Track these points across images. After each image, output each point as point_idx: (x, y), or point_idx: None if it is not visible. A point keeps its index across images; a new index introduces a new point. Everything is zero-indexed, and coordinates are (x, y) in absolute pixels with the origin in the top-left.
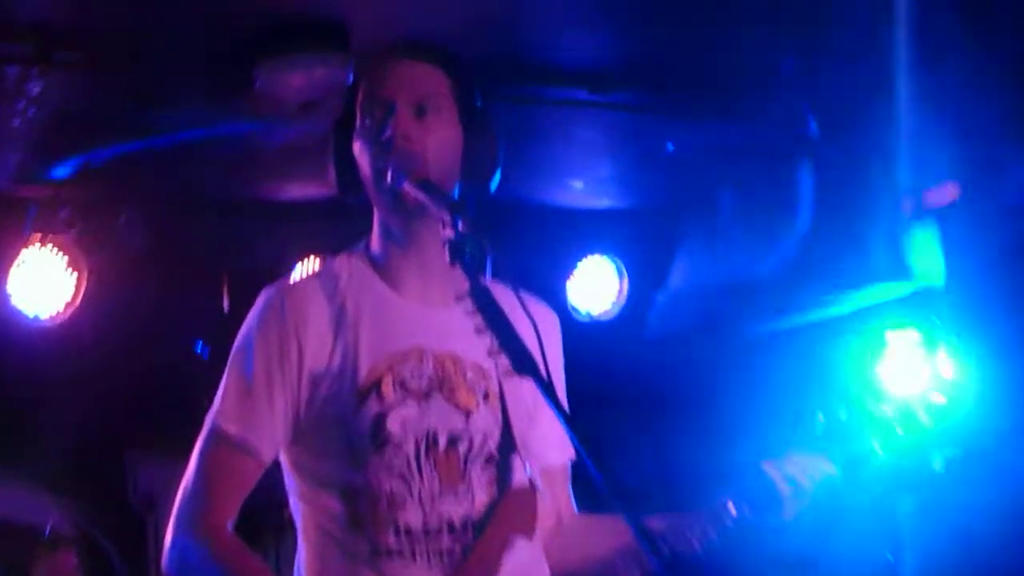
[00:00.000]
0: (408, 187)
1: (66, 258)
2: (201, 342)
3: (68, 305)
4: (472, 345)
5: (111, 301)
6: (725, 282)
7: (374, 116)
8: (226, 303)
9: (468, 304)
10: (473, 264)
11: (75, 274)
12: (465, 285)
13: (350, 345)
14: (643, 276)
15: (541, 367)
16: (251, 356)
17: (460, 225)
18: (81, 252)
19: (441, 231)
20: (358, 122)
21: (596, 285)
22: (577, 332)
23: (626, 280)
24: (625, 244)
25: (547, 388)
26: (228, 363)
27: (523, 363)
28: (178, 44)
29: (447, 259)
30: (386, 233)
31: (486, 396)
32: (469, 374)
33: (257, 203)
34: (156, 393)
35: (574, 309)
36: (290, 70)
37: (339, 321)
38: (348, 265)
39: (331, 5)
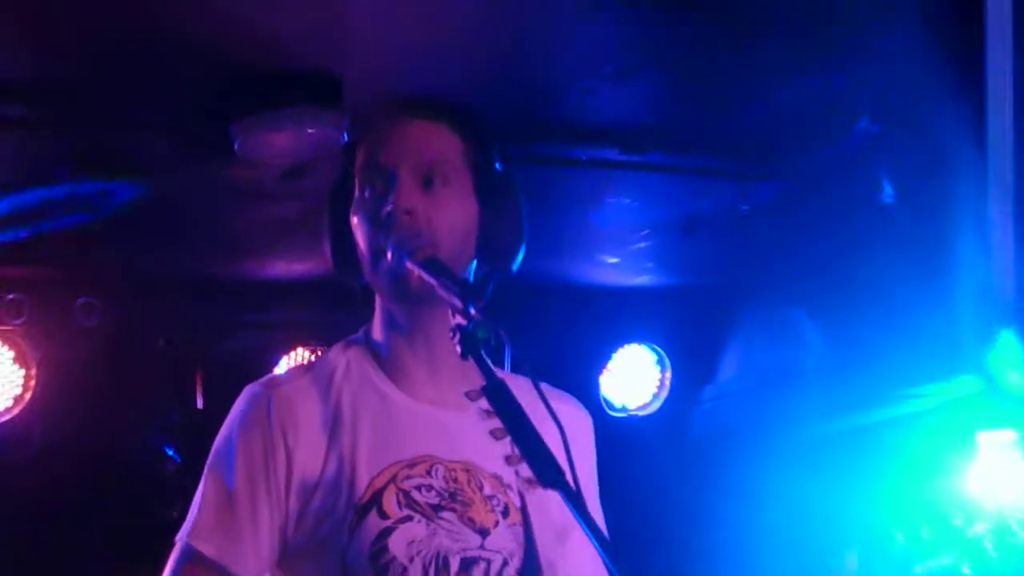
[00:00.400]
0: (411, 267)
1: (12, 352)
2: (171, 446)
3: (15, 404)
4: (489, 452)
5: (65, 399)
6: (784, 373)
7: (373, 186)
8: (200, 400)
9: (482, 404)
10: (487, 357)
11: (23, 369)
12: (479, 381)
13: (347, 453)
14: (688, 367)
15: (569, 477)
16: (232, 464)
17: (472, 311)
18: (30, 344)
19: (450, 318)
20: (356, 192)
21: (634, 378)
22: (612, 430)
23: (669, 372)
24: (667, 330)
25: (576, 503)
26: (204, 471)
27: (548, 473)
28: (141, 98)
29: (458, 352)
30: (389, 321)
31: (506, 512)
32: (486, 486)
33: (237, 284)
34: (118, 505)
35: (608, 403)
36: (274, 128)
37: (334, 424)
38: (345, 358)
39: (322, 55)
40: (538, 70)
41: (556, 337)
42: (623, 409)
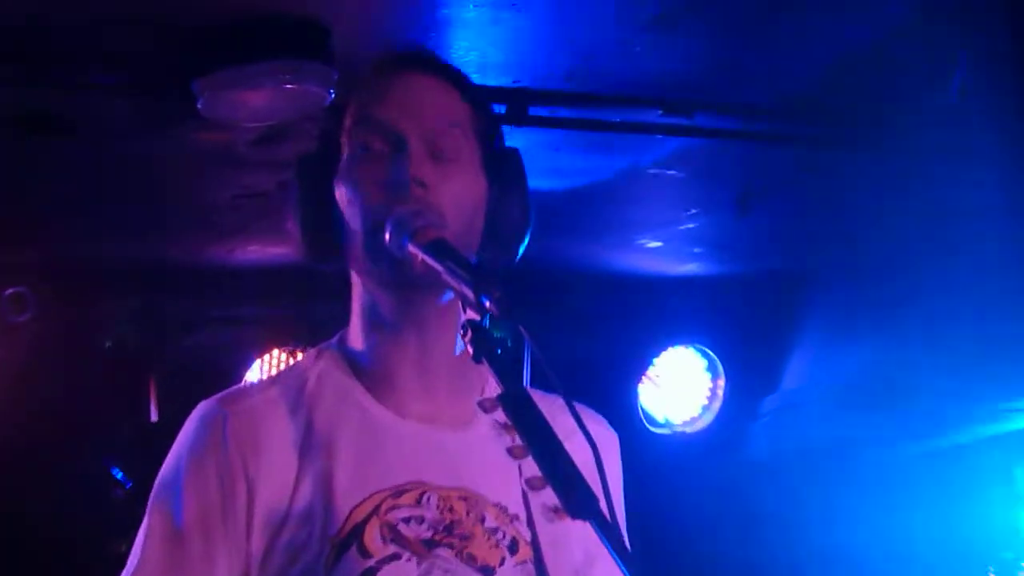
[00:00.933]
0: (414, 249)
1: None
2: (119, 467)
3: None
4: (494, 477)
5: None
6: (861, 384)
7: (370, 149)
8: (153, 412)
9: (498, 416)
10: (506, 360)
11: None
12: (489, 390)
13: (321, 480)
14: (745, 374)
15: (603, 505)
16: (181, 498)
17: (487, 303)
18: None
19: (460, 313)
20: (345, 157)
21: (680, 386)
22: (653, 450)
23: (722, 380)
24: (720, 329)
25: (612, 537)
26: (148, 506)
27: (579, 501)
28: (87, 47)
29: (459, 355)
30: (373, 319)
31: (514, 547)
32: (488, 518)
33: (200, 271)
34: (56, 537)
35: (648, 418)
36: (246, 85)
37: (305, 447)
38: (317, 368)
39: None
40: (563, 15)
41: (586, 337)
42: (666, 424)
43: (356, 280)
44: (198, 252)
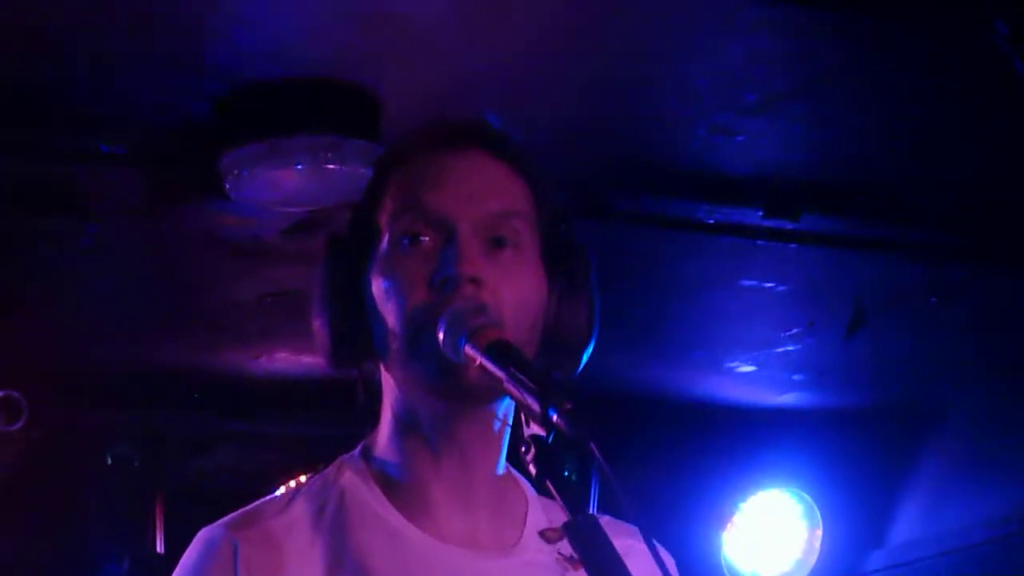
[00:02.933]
0: (472, 352)
1: None
2: None
3: None
4: None
5: None
6: (988, 541)
7: (417, 240)
8: (160, 542)
9: (562, 548)
10: (574, 484)
11: None
12: (532, 515)
13: None
14: (849, 523)
15: None
16: None
17: (556, 418)
18: None
19: (507, 428)
20: (385, 245)
21: (771, 536)
22: None
23: (820, 530)
24: (820, 471)
25: None
26: None
27: None
28: (100, 117)
29: (502, 475)
30: (409, 428)
31: None
32: None
33: (218, 381)
34: None
35: (732, 571)
36: (281, 162)
37: None
38: (339, 486)
39: (357, 67)
40: (649, 101)
41: (664, 474)
42: None
43: (390, 383)
44: (216, 358)
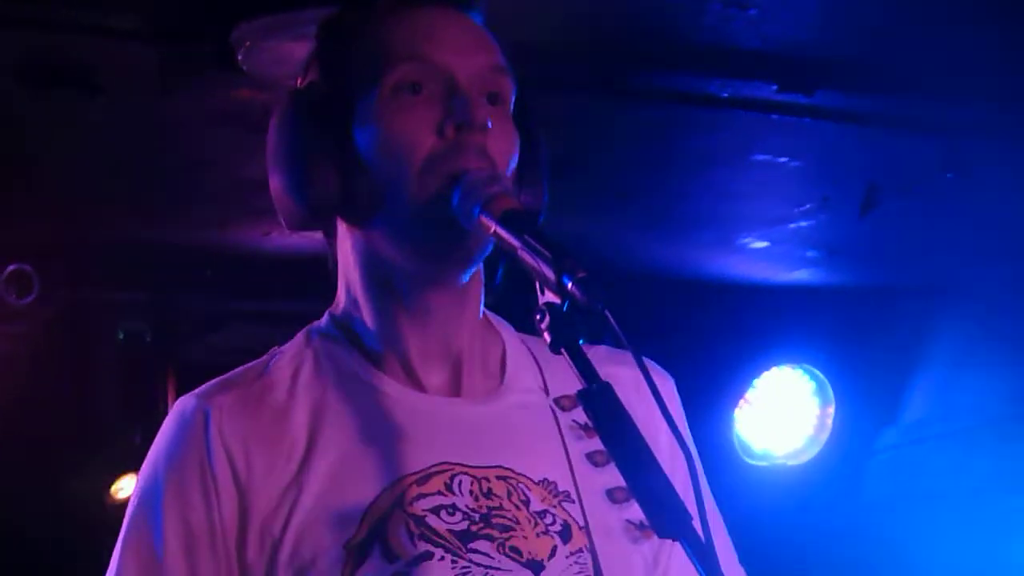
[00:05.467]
0: (487, 220)
1: None
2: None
3: None
4: (536, 450)
5: None
6: (997, 417)
7: (421, 91)
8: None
9: (576, 416)
10: (580, 349)
11: None
12: (512, 359)
13: (327, 473)
14: (860, 400)
15: (696, 524)
16: (160, 518)
17: (571, 286)
18: None
19: (538, 295)
20: (379, 95)
21: (783, 413)
22: (750, 484)
23: (832, 407)
24: (832, 347)
25: (706, 561)
26: (125, 522)
27: (670, 519)
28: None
29: (481, 319)
30: (383, 290)
31: (565, 534)
32: (533, 499)
33: (231, 257)
34: (58, 553)
35: (745, 447)
36: (294, 34)
37: (309, 438)
38: (311, 348)
39: None
40: None
41: (676, 352)
42: (765, 456)
43: (359, 243)
44: (228, 234)
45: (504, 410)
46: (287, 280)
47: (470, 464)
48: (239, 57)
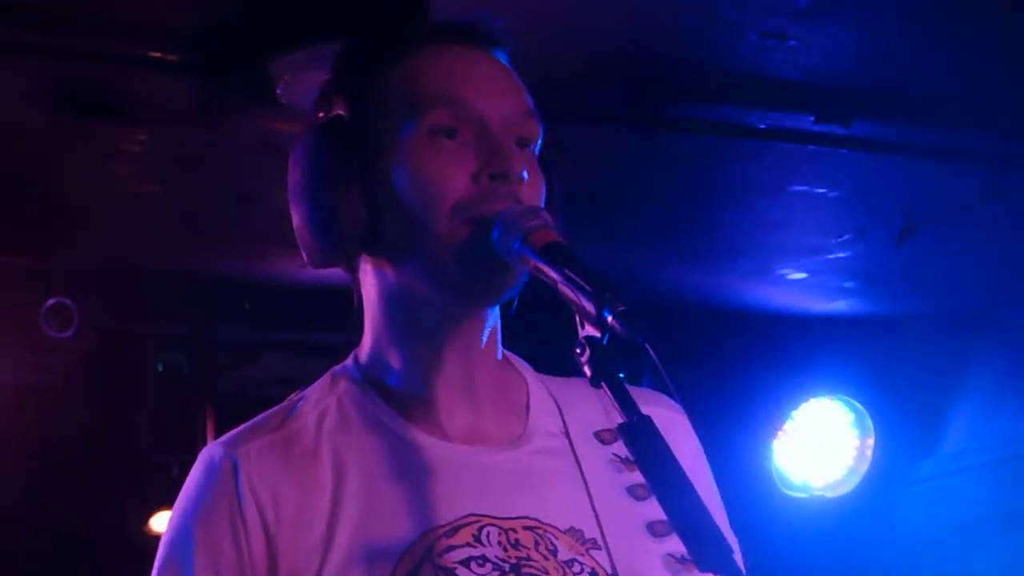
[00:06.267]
0: (527, 254)
1: None
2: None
3: None
4: (560, 498)
5: (22, 442)
6: None
7: (455, 135)
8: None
9: (617, 449)
10: (621, 383)
11: None
12: (535, 401)
13: (357, 524)
14: (900, 431)
15: (738, 557)
16: (190, 561)
17: (611, 319)
18: None
19: (578, 329)
20: (413, 135)
21: (822, 444)
22: (788, 516)
23: (872, 438)
24: (871, 378)
25: None
26: (155, 569)
27: (712, 553)
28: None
29: (501, 360)
30: (416, 331)
31: None
32: (561, 548)
33: (270, 288)
34: None
35: (783, 479)
36: (327, 68)
37: (333, 487)
38: (334, 395)
39: None
40: (700, 6)
41: (715, 383)
42: (804, 488)
43: (390, 282)
44: (264, 266)
45: (527, 457)
46: (324, 311)
47: (497, 516)
48: (278, 90)
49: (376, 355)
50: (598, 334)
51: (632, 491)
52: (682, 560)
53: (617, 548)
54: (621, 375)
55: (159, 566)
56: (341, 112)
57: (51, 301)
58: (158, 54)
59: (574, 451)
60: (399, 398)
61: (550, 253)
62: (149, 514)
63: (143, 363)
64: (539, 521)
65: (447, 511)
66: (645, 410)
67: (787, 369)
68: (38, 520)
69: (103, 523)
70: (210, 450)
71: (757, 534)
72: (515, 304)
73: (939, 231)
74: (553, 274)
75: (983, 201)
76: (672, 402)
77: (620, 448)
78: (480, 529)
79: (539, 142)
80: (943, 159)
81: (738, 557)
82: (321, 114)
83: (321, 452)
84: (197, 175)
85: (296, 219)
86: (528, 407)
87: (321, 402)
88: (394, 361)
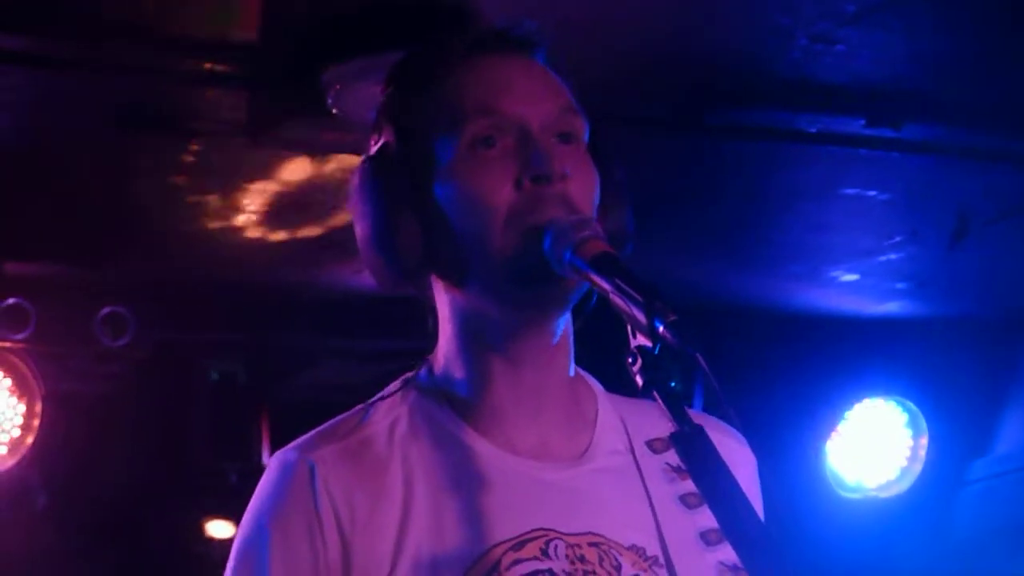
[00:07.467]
0: (579, 265)
1: (9, 380)
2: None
3: (10, 452)
4: (625, 515)
5: (79, 448)
6: None
7: (495, 145)
8: (265, 455)
9: (669, 458)
10: (679, 394)
11: (23, 404)
12: (604, 417)
13: (428, 534)
14: (954, 431)
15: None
16: (266, 561)
17: (662, 329)
18: (35, 368)
19: (630, 339)
20: (456, 151)
21: (875, 445)
22: (843, 516)
23: (925, 438)
24: (924, 379)
25: None
26: (229, 569)
27: (764, 564)
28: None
29: (572, 377)
30: (482, 343)
31: None
32: (625, 565)
33: (319, 298)
34: None
35: (837, 480)
36: (380, 76)
37: (405, 496)
38: (406, 405)
39: None
40: (749, 11)
41: (767, 385)
42: (858, 488)
43: (453, 297)
44: (321, 274)
45: (592, 474)
46: (377, 318)
47: (563, 531)
48: (329, 100)
49: (447, 368)
50: (649, 344)
51: (684, 500)
52: (735, 569)
53: (679, 566)
54: (672, 384)
55: (233, 567)
56: (389, 140)
57: (106, 310)
58: (210, 66)
59: (639, 469)
60: (469, 410)
61: (600, 264)
62: (206, 522)
63: (198, 372)
64: (603, 537)
65: (514, 524)
66: (718, 437)
67: (840, 371)
68: (95, 529)
69: (160, 531)
70: (285, 454)
71: (810, 534)
72: (584, 318)
73: (991, 233)
74: (604, 284)
75: None
76: (731, 429)
77: (672, 457)
78: (548, 543)
79: (585, 136)
80: (994, 161)
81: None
82: (372, 143)
83: (392, 461)
84: (250, 184)
85: (361, 248)
86: (596, 422)
87: (393, 411)
88: (464, 374)
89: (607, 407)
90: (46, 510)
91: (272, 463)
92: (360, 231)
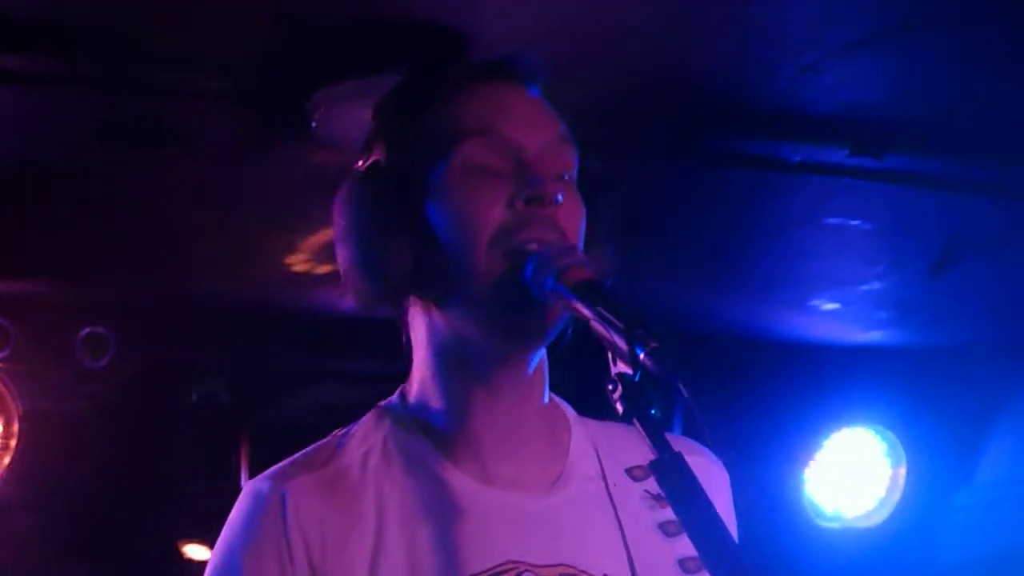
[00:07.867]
0: (560, 291)
1: None
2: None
3: None
4: (596, 545)
5: (57, 469)
6: None
7: (489, 167)
8: (244, 479)
9: (648, 486)
10: (660, 422)
11: (1, 424)
12: (575, 445)
13: (401, 566)
14: (934, 461)
15: None
16: None
17: (643, 356)
18: (14, 388)
19: (611, 366)
20: (449, 171)
21: (854, 474)
22: (821, 546)
23: (904, 468)
24: (904, 408)
25: None
26: None
27: None
28: (189, 58)
29: (546, 405)
30: (460, 371)
31: None
32: None
33: (307, 316)
34: None
35: (816, 510)
36: (365, 99)
37: (378, 529)
38: (380, 434)
39: (444, 5)
40: (736, 41)
41: (747, 412)
42: (836, 518)
43: (433, 322)
44: (308, 292)
45: (565, 503)
46: (361, 341)
47: (534, 563)
48: (312, 123)
49: (422, 395)
50: (630, 371)
51: (664, 528)
52: None
53: None
54: (653, 411)
55: None
56: (379, 158)
57: (87, 329)
58: (196, 84)
59: (610, 495)
60: (444, 439)
61: (583, 290)
62: (183, 544)
63: (180, 392)
64: (575, 568)
65: (486, 556)
66: (692, 458)
67: (820, 398)
68: (72, 549)
69: (136, 553)
70: (257, 483)
71: (789, 564)
72: (561, 346)
73: (973, 263)
74: (585, 311)
75: (1018, 233)
76: (710, 453)
77: (652, 484)
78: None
79: (575, 169)
80: (977, 192)
81: None
82: (361, 161)
83: (365, 491)
84: (236, 204)
85: (343, 265)
86: (568, 450)
87: (367, 440)
88: (440, 403)
89: (580, 433)
90: (23, 529)
91: (244, 492)
92: (345, 247)
